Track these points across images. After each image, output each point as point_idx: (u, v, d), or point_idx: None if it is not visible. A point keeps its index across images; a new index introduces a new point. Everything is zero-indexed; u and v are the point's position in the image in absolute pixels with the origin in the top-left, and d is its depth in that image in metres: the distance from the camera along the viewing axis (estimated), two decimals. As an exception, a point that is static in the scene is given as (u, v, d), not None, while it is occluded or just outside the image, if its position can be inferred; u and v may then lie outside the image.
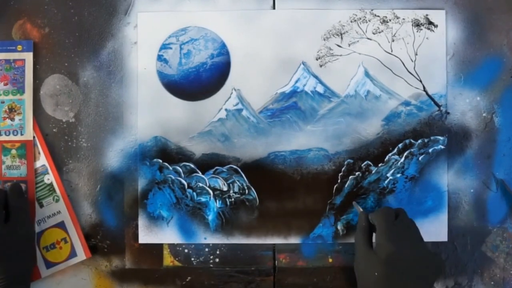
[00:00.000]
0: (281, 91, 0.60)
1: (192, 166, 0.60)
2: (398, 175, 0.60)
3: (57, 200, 0.60)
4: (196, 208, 0.60)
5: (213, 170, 0.60)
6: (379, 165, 0.60)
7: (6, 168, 0.60)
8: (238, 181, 0.60)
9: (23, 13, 0.60)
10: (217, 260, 0.61)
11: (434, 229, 0.60)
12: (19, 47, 0.60)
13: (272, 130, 0.60)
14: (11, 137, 0.60)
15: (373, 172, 0.60)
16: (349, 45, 0.60)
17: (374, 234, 0.55)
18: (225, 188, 0.60)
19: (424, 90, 0.60)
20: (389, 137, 0.60)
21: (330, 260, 0.61)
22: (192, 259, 0.61)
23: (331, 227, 0.60)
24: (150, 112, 0.60)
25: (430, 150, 0.60)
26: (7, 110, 0.60)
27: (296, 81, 0.60)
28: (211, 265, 0.61)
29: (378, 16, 0.60)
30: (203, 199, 0.60)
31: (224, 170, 0.60)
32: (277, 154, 0.60)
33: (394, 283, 0.51)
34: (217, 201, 0.60)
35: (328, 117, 0.60)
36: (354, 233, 0.57)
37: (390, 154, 0.60)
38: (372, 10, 0.60)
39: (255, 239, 0.60)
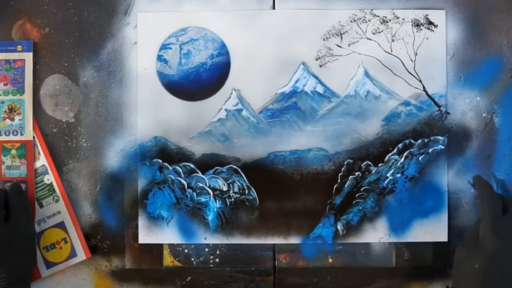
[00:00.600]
0: (281, 91, 0.60)
1: (192, 166, 0.60)
2: (398, 175, 0.60)
3: (57, 200, 0.60)
4: (196, 208, 0.60)
5: (213, 170, 0.60)
6: (379, 165, 0.60)
7: (6, 168, 0.60)
8: (238, 181, 0.60)
9: (23, 13, 0.60)
10: (217, 260, 0.61)
11: (434, 229, 0.59)
12: (19, 47, 0.60)
13: (272, 130, 0.60)
14: (11, 137, 0.60)
15: (373, 172, 0.60)
16: (349, 45, 0.60)
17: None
18: (225, 188, 0.60)
19: (424, 90, 0.60)
20: (389, 137, 0.60)
21: (330, 260, 0.61)
22: (192, 259, 0.61)
23: (331, 227, 0.60)
24: (150, 112, 0.60)
25: (430, 150, 0.60)
26: (7, 110, 0.60)
27: (296, 81, 0.60)
28: (211, 265, 0.61)
29: (378, 16, 0.60)
30: (203, 199, 0.60)
31: (224, 170, 0.60)
32: (277, 154, 0.60)
33: (492, 281, 0.49)
34: (217, 201, 0.60)
35: (328, 117, 0.60)
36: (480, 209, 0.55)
37: (390, 154, 0.60)
38: (372, 10, 0.60)
39: (255, 239, 0.60)
